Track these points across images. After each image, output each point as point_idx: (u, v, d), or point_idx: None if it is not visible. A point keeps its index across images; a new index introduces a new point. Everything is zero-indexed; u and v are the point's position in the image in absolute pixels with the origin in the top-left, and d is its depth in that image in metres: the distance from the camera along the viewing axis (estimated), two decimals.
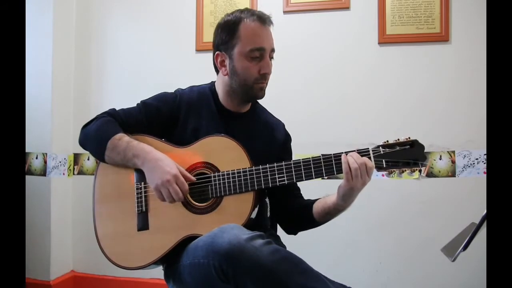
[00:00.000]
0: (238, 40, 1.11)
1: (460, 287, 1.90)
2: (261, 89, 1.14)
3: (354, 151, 1.02)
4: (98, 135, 1.10)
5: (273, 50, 1.15)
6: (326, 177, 1.03)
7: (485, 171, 1.91)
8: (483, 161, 1.92)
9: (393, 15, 2.02)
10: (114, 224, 1.09)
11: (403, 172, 1.02)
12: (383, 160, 1.01)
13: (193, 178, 1.05)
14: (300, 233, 1.24)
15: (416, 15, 2.00)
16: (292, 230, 1.24)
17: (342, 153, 1.02)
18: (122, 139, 1.08)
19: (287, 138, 1.29)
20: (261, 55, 1.11)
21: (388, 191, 1.99)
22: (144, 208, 1.08)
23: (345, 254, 2.02)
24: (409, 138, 1.02)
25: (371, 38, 2.04)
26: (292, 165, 1.04)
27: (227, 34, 1.13)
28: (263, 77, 1.13)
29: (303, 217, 1.18)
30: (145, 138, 1.11)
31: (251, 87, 1.13)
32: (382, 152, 1.01)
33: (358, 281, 1.96)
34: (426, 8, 1.99)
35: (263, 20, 1.13)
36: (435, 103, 1.98)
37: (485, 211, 0.77)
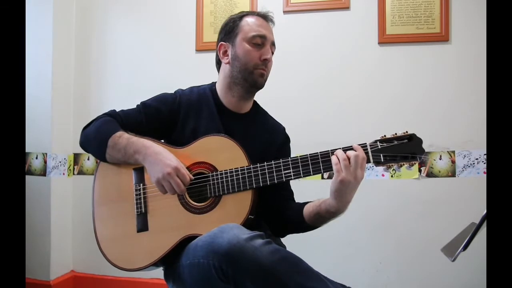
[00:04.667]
0: (241, 29, 1.16)
1: (460, 287, 1.90)
2: (262, 76, 1.15)
3: (351, 146, 1.00)
4: (98, 134, 1.10)
5: (273, 44, 1.19)
6: (325, 176, 1.03)
7: (485, 171, 1.91)
8: (483, 161, 1.92)
9: (393, 15, 2.02)
10: (113, 225, 1.10)
11: (401, 166, 1.01)
12: (381, 155, 0.99)
13: (191, 176, 1.05)
14: (300, 233, 1.21)
15: (416, 15, 2.00)
16: (280, 232, 1.20)
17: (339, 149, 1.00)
18: (122, 136, 1.08)
19: (286, 141, 1.29)
20: (262, 42, 1.15)
21: (388, 191, 1.99)
22: (143, 209, 1.08)
23: (345, 254, 2.02)
24: (406, 132, 1.01)
25: (371, 38, 2.04)
26: (290, 163, 1.03)
27: (231, 26, 1.18)
28: (264, 64, 1.15)
29: (292, 218, 1.14)
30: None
31: (251, 72, 1.14)
32: (380, 147, 1.00)
33: (358, 281, 1.96)
34: (426, 8, 1.99)
35: (265, 16, 1.20)
36: (435, 103, 1.98)
37: (485, 211, 0.77)
